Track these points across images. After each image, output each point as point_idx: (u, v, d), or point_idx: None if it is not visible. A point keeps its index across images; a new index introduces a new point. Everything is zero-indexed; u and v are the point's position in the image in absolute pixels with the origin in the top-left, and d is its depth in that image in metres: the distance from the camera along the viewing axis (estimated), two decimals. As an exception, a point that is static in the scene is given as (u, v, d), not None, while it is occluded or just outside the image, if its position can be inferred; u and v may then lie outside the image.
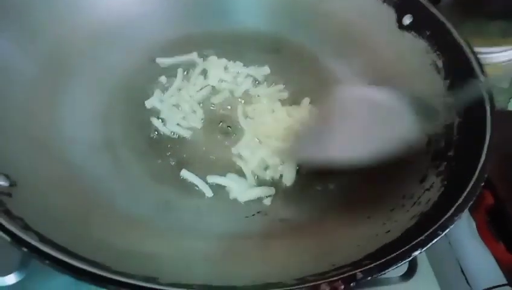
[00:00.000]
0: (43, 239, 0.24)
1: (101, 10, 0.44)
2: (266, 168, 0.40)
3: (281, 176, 0.39)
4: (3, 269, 0.36)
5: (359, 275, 0.24)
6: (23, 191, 0.29)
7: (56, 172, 0.33)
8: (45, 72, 0.38)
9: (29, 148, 0.33)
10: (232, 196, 0.37)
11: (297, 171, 0.39)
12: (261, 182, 0.39)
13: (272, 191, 0.38)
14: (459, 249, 0.45)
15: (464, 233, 0.45)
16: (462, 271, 0.43)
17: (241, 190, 0.37)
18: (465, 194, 0.29)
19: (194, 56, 0.47)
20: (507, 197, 0.45)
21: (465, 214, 0.46)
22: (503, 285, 0.41)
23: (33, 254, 0.23)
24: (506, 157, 0.43)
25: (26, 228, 0.25)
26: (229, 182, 0.38)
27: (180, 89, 0.45)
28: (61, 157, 0.35)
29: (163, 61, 0.46)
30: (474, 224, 0.45)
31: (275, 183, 0.39)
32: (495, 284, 0.41)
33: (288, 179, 0.39)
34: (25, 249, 0.23)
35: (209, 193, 0.37)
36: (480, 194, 0.47)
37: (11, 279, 0.35)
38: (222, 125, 0.43)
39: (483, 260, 0.43)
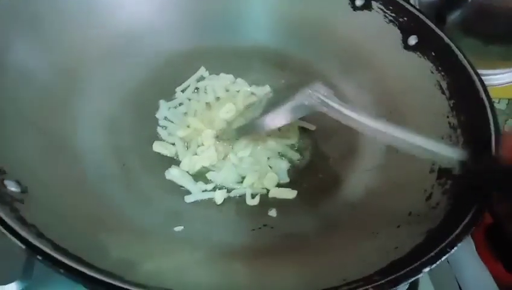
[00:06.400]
0: (56, 247, 0.24)
1: (112, 23, 0.45)
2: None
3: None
4: (4, 278, 0.35)
5: (371, 291, 0.25)
6: (34, 197, 0.28)
7: (66, 179, 0.33)
8: (59, 80, 0.38)
9: (40, 154, 0.33)
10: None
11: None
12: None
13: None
14: (458, 268, 0.45)
15: (463, 252, 0.45)
16: (462, 290, 0.44)
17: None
18: (472, 212, 0.29)
19: (202, 71, 0.48)
20: (505, 216, 0.45)
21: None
22: (503, 304, 0.42)
23: (47, 262, 0.23)
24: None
25: (39, 235, 0.25)
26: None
27: (190, 99, 0.46)
28: (71, 163, 0.35)
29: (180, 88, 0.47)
30: (472, 243, 0.46)
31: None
32: (494, 303, 0.42)
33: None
34: (40, 258, 0.23)
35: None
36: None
37: (12, 288, 0.35)
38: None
39: (482, 279, 0.43)
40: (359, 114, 0.35)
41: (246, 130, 0.41)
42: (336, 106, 0.37)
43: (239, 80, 0.49)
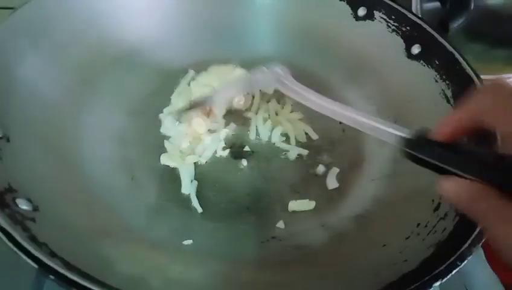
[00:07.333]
0: (68, 266, 0.25)
1: (119, 37, 0.46)
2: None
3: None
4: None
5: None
6: (45, 215, 0.29)
7: (76, 194, 0.34)
8: (67, 95, 0.39)
9: (49, 171, 0.33)
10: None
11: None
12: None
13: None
14: (467, 276, 0.45)
15: (472, 260, 0.45)
16: (472, 298, 0.43)
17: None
18: (481, 224, 0.29)
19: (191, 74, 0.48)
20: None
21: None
22: (513, 312, 0.41)
23: (60, 282, 0.23)
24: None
25: (51, 254, 0.25)
26: None
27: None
28: (80, 178, 0.35)
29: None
30: (482, 250, 0.46)
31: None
32: (505, 312, 0.42)
33: None
34: (52, 277, 0.23)
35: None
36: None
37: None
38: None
39: (493, 287, 0.43)
40: (313, 94, 0.37)
41: (202, 101, 0.43)
42: (289, 83, 0.40)
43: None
